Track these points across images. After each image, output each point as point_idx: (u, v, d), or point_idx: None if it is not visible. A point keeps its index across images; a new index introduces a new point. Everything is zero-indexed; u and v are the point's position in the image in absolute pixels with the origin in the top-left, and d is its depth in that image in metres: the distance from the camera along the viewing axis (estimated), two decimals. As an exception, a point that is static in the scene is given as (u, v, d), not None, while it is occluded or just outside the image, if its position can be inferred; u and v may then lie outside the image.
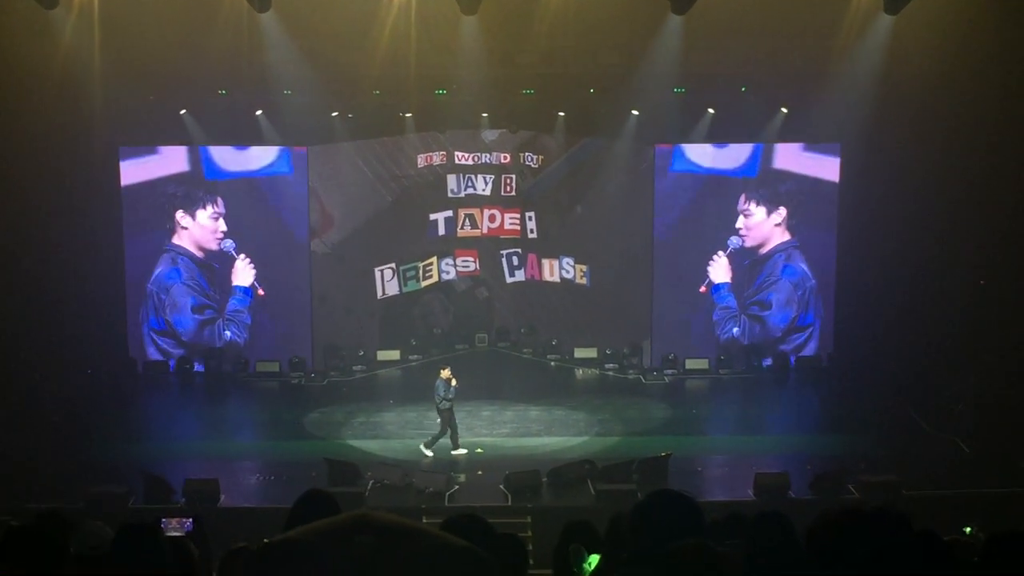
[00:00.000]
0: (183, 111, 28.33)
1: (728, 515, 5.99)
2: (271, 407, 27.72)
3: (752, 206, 29.95)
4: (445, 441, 23.32)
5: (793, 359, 30.23)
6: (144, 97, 27.31)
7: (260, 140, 29.03)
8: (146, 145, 29.07)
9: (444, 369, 23.52)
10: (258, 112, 28.58)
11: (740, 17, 25.09)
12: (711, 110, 28.85)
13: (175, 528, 14.55)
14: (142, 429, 25.43)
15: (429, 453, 23.19)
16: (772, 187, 29.87)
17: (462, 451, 23.26)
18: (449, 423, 23.23)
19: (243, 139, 29.07)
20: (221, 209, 29.69)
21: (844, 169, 29.25)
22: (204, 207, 29.62)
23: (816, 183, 29.67)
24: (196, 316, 30.04)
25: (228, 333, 30.10)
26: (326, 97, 28.26)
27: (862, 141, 28.04)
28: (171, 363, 29.82)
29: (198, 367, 29.84)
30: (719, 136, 29.26)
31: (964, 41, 23.70)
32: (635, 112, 29.03)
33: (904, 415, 25.50)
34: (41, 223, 27.33)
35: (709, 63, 27.44)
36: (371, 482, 21.07)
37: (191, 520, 14.13)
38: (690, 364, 30.08)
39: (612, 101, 28.81)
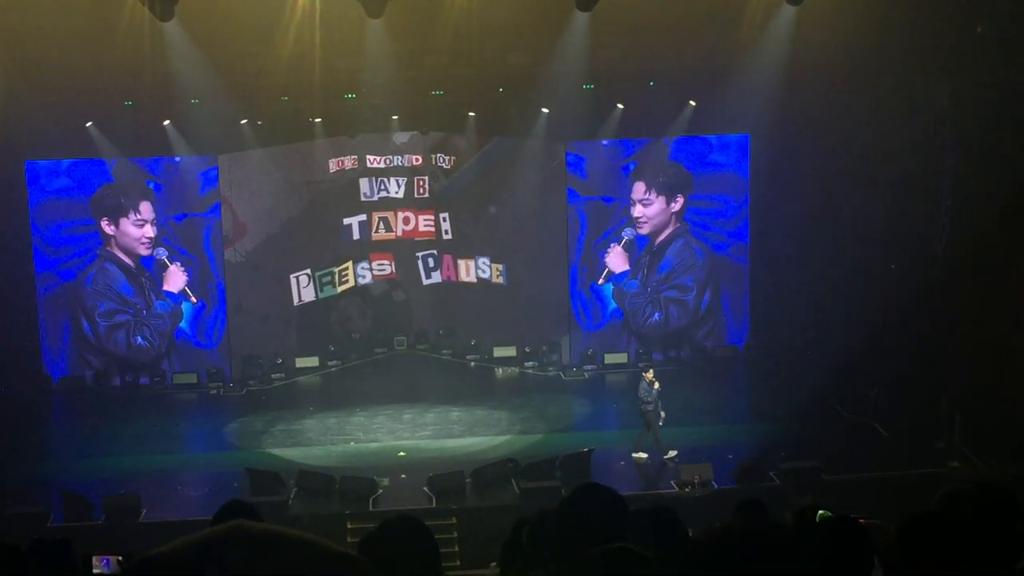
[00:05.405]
0: (89, 124, 27.90)
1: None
2: (190, 419, 27.50)
3: (653, 195, 30.13)
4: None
5: (711, 345, 30.42)
6: (49, 111, 26.77)
7: (169, 150, 28.68)
8: (53, 159, 28.62)
9: (647, 371, 23.49)
10: (166, 122, 28.21)
11: (645, 12, 25.23)
12: (620, 105, 28.96)
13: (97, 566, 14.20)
14: (58, 446, 25.02)
15: (643, 455, 23.03)
16: (666, 174, 30.10)
17: (642, 455, 23.01)
18: (651, 424, 22.98)
19: (152, 150, 28.68)
20: (146, 215, 29.33)
21: (754, 159, 29.55)
22: (127, 214, 29.22)
23: (724, 174, 29.99)
24: (103, 321, 29.56)
25: (138, 338, 29.71)
26: (235, 105, 27.89)
27: (770, 131, 28.31)
28: (87, 375, 29.37)
29: (116, 381, 29.46)
30: (630, 131, 29.42)
31: (866, 28, 24.01)
32: (545, 110, 29.04)
33: (821, 401, 25.80)
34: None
35: (616, 59, 27.64)
36: (295, 490, 20.96)
37: (107, 560, 13.80)
38: (609, 359, 30.19)
39: (522, 100, 28.82)
